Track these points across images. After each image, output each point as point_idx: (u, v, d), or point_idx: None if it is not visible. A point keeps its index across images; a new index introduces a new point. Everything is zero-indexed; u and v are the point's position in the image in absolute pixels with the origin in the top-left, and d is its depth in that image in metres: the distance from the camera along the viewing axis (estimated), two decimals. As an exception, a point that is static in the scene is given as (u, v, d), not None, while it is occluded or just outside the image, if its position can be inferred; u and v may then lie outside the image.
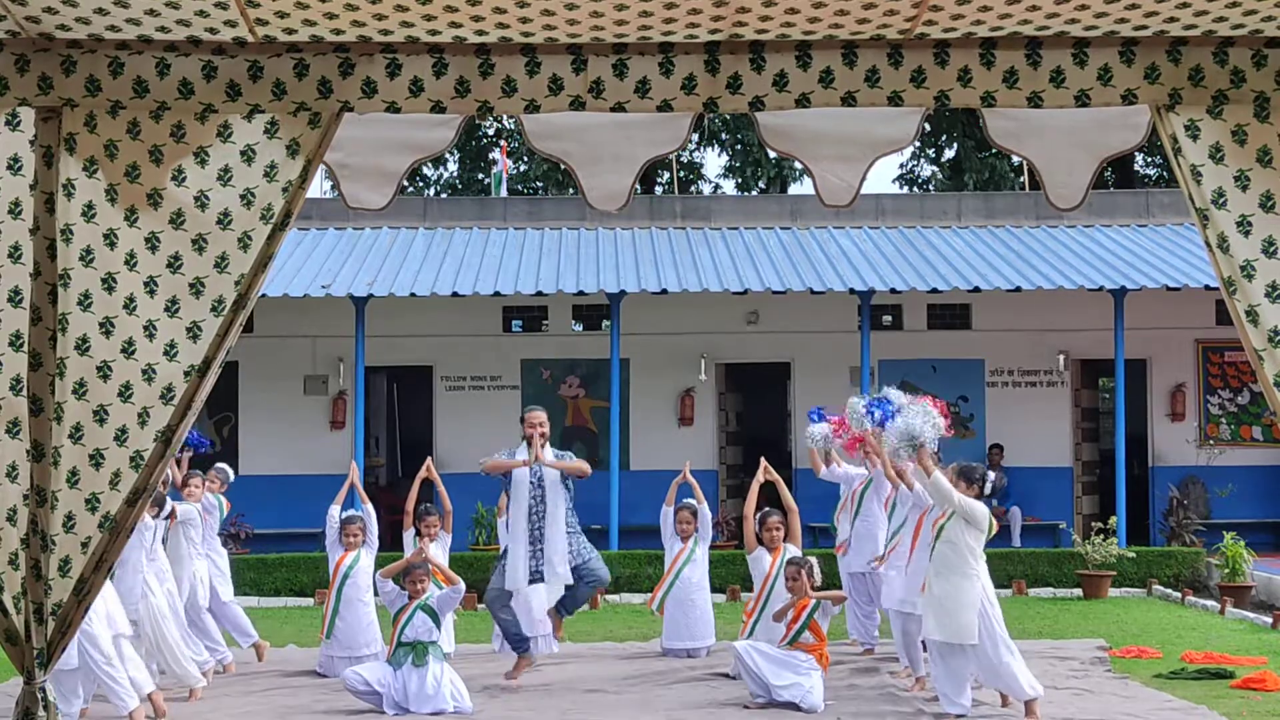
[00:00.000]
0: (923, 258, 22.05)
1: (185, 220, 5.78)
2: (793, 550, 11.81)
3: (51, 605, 5.79)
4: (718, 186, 41.04)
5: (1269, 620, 15.62)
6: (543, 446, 12.03)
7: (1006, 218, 24.46)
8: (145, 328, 5.79)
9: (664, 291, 20.35)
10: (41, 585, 5.76)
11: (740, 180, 39.53)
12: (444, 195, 38.51)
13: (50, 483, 5.76)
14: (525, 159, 38.29)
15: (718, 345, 22.53)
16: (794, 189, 38.04)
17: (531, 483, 11.95)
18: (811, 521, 18.16)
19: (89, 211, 5.76)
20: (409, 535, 13.15)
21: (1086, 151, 5.98)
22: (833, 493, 14.52)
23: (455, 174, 40.92)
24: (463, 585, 11.43)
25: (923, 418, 10.45)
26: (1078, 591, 18.48)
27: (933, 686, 10.85)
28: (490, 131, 39.38)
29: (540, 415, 12.23)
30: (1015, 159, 31.50)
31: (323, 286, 20.29)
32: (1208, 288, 19.62)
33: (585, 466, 12.22)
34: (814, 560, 11.35)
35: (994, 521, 10.57)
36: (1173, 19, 5.50)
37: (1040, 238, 23.30)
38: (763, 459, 13.01)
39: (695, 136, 37.05)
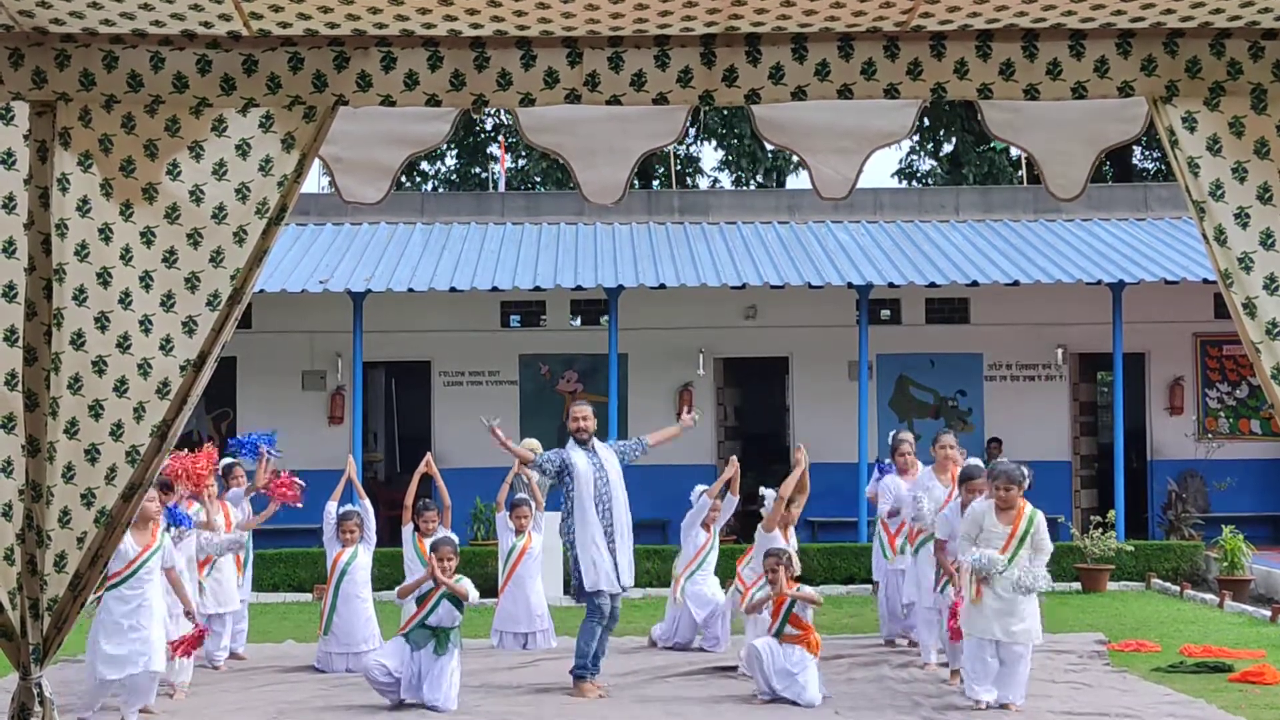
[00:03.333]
0: (921, 252, 22.05)
1: (181, 215, 5.77)
2: (780, 543, 11.74)
3: (47, 601, 5.78)
4: (715, 180, 40.99)
5: (1268, 614, 15.61)
6: (588, 439, 11.85)
7: (1004, 212, 24.45)
8: (141, 322, 5.77)
9: (662, 286, 20.34)
10: (37, 581, 5.75)
11: (737, 175, 39.49)
12: (441, 190, 38.48)
13: (46, 478, 5.75)
14: (524, 154, 38.26)
15: (716, 340, 22.51)
16: (791, 183, 38.00)
17: (597, 477, 11.77)
18: (810, 516, 18.16)
19: (84, 206, 5.75)
20: (407, 530, 13.14)
21: (1085, 143, 5.97)
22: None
23: (453, 169, 40.88)
24: (474, 597, 11.24)
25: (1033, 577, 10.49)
26: (1076, 585, 18.45)
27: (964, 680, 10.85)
28: (488, 126, 39.35)
29: (584, 409, 11.97)
30: (1014, 153, 31.41)
31: (320, 282, 20.28)
32: (1206, 281, 19.60)
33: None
34: (792, 552, 11.35)
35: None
36: (1169, 10, 5.48)
37: (1038, 232, 23.29)
38: (802, 446, 12.69)
39: (691, 130, 37.06)
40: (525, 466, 12.83)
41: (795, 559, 11.26)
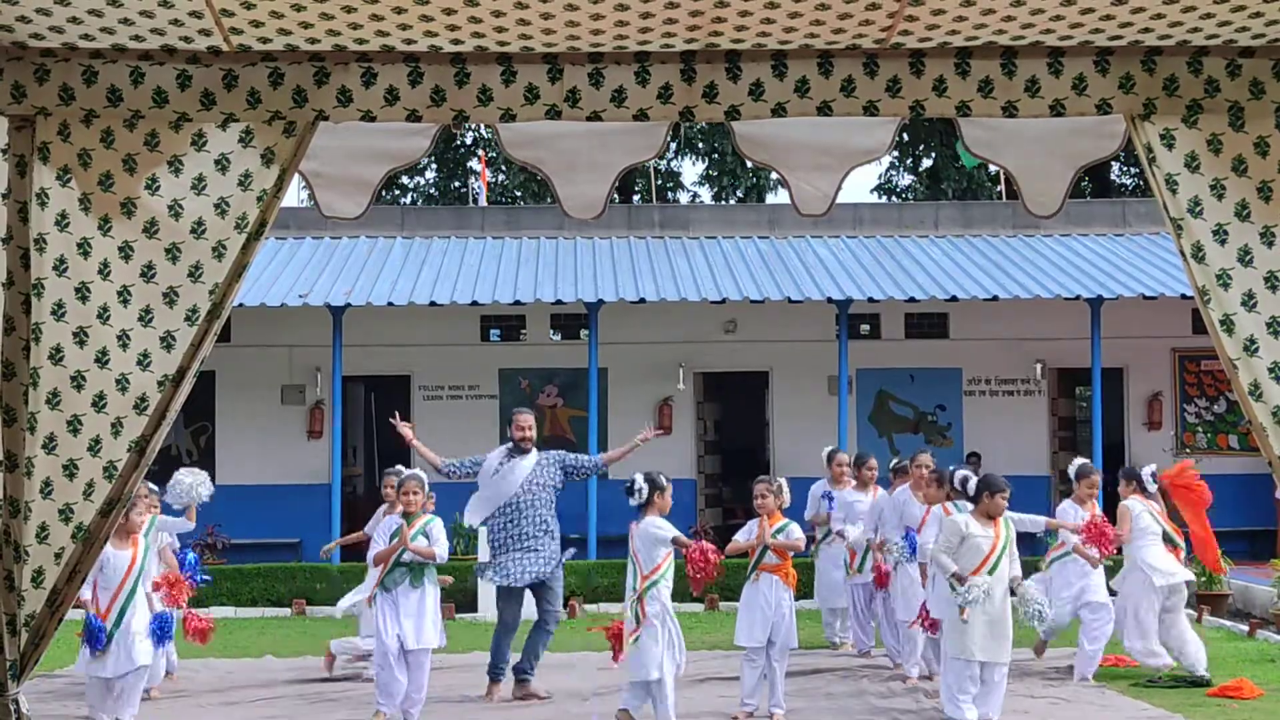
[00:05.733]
0: (900, 267, 22.10)
1: (159, 229, 5.74)
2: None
3: (25, 617, 5.74)
4: (695, 195, 41.05)
5: (1245, 628, 15.66)
6: (526, 451, 12.02)
7: (984, 227, 24.52)
8: (119, 337, 5.74)
9: (642, 301, 20.35)
10: (14, 596, 5.71)
11: (717, 189, 39.57)
12: (421, 204, 38.47)
13: (23, 493, 5.71)
14: (504, 168, 38.27)
15: (696, 354, 22.53)
16: (771, 198, 38.06)
17: (495, 479, 11.97)
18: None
19: (62, 221, 5.72)
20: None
21: (1063, 160, 5.98)
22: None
23: (433, 183, 40.87)
24: (442, 555, 11.11)
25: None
26: (1055, 600, 18.47)
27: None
28: (468, 140, 39.36)
29: (528, 418, 12.25)
30: (992, 168, 31.64)
31: (300, 296, 20.24)
32: (1184, 297, 19.67)
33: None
34: (783, 480, 11.39)
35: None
36: (1147, 29, 5.50)
37: (1017, 247, 23.36)
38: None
39: (673, 145, 37.13)
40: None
41: (785, 487, 11.34)
